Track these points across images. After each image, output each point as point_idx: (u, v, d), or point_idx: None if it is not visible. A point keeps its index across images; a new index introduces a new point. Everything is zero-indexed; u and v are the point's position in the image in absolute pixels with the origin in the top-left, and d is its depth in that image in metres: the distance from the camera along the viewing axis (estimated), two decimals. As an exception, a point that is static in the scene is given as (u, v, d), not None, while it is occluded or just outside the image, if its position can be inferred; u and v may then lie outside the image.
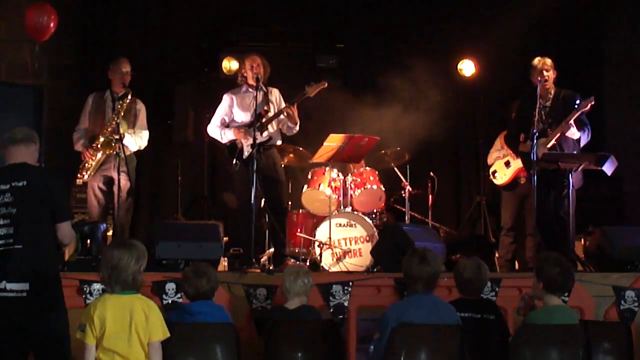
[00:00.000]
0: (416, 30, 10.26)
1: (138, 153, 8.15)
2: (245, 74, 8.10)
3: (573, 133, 7.73)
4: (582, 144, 7.86)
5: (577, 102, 7.71)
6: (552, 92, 8.00)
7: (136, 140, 8.01)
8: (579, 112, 7.66)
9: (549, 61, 8.00)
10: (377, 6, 10.36)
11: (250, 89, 8.07)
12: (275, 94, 8.20)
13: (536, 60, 7.99)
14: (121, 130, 7.68)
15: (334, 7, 10.54)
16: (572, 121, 7.66)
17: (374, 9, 10.36)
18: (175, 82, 10.55)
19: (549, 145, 7.73)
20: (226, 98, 8.21)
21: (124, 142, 7.76)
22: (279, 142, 8.27)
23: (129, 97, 7.88)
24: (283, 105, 8.07)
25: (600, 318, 6.46)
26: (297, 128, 8.08)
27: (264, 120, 7.91)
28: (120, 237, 7.66)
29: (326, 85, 8.03)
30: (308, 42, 10.71)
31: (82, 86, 9.41)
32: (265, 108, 7.99)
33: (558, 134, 7.72)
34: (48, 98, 8.61)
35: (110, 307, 4.45)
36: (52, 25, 8.15)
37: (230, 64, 10.46)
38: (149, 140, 8.21)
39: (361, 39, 10.49)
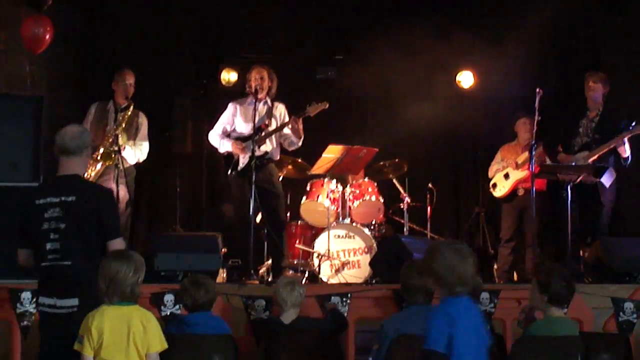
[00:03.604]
0: (415, 42, 10.25)
1: (137, 164, 8.15)
2: (250, 84, 8.07)
3: (625, 150, 7.80)
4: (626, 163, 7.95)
5: (633, 124, 7.73)
6: (601, 107, 8.04)
7: (135, 152, 8.01)
8: (631, 134, 7.75)
9: (600, 74, 8.11)
10: (376, 18, 10.38)
11: (254, 101, 8.06)
12: (280, 109, 8.15)
13: (588, 73, 8.11)
14: (120, 142, 7.67)
15: (333, 19, 10.56)
16: (626, 138, 7.73)
17: (373, 21, 10.38)
18: (175, 93, 10.55)
19: (590, 160, 7.80)
20: (230, 107, 8.20)
21: (124, 154, 7.76)
22: (277, 158, 8.25)
23: (131, 109, 7.88)
24: (287, 120, 8.07)
25: (599, 329, 6.45)
26: (300, 143, 8.08)
27: (263, 133, 7.90)
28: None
29: (327, 106, 8.00)
30: (307, 53, 10.71)
31: (81, 97, 9.42)
32: (267, 122, 7.98)
33: (606, 149, 7.79)
34: (47, 109, 8.62)
35: (108, 318, 4.45)
36: (47, 37, 8.17)
37: (229, 75, 10.48)
38: (148, 152, 8.21)
39: (360, 50, 10.50)
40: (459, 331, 3.93)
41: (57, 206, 4.86)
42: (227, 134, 8.12)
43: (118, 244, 4.91)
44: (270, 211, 8.09)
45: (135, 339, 4.45)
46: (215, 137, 8.17)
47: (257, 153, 7.85)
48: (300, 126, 7.92)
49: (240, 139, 7.98)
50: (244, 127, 8.02)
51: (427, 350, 3.94)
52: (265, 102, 8.09)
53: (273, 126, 8.01)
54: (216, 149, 8.26)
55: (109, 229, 4.90)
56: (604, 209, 7.85)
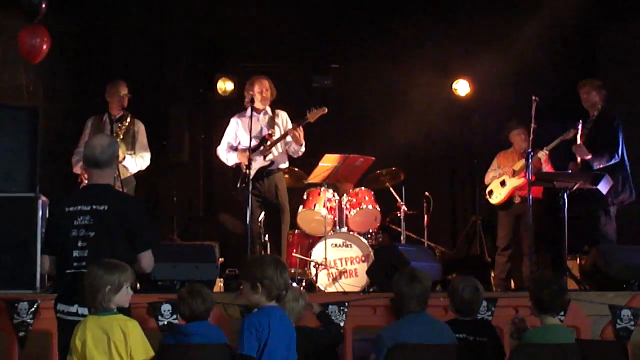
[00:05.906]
0: (411, 51, 10.29)
1: (136, 174, 8.14)
2: (253, 97, 8.08)
3: (584, 155, 7.96)
4: (599, 165, 8.02)
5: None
6: (595, 114, 8.14)
7: (137, 161, 8.00)
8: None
9: (584, 81, 8.26)
10: (372, 27, 10.41)
11: (255, 112, 8.07)
12: (282, 117, 8.20)
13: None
14: (119, 153, 7.65)
15: (329, 28, 10.58)
16: (580, 142, 7.90)
17: (369, 30, 10.41)
18: (171, 103, 10.55)
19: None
20: (232, 122, 8.23)
21: (125, 164, 7.75)
22: (284, 165, 8.27)
23: (129, 119, 7.87)
24: (290, 127, 8.08)
25: (597, 337, 6.45)
26: (303, 149, 8.10)
27: (268, 143, 7.93)
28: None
29: (326, 111, 8.04)
30: (303, 62, 10.73)
31: (78, 107, 9.43)
32: (270, 132, 8.01)
33: (578, 156, 8.00)
34: (44, 119, 8.62)
35: (89, 329, 4.38)
36: (45, 47, 8.18)
37: (225, 85, 10.48)
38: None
39: (356, 59, 10.52)
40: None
41: (87, 214, 4.83)
42: (233, 148, 8.12)
43: (147, 256, 4.90)
44: (271, 222, 8.20)
45: (118, 348, 4.35)
46: (222, 152, 8.25)
47: (263, 163, 7.90)
48: (301, 133, 7.94)
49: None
50: (248, 140, 8.04)
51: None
52: (266, 112, 8.11)
53: (277, 134, 8.03)
54: (224, 163, 8.27)
55: (139, 241, 4.88)
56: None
